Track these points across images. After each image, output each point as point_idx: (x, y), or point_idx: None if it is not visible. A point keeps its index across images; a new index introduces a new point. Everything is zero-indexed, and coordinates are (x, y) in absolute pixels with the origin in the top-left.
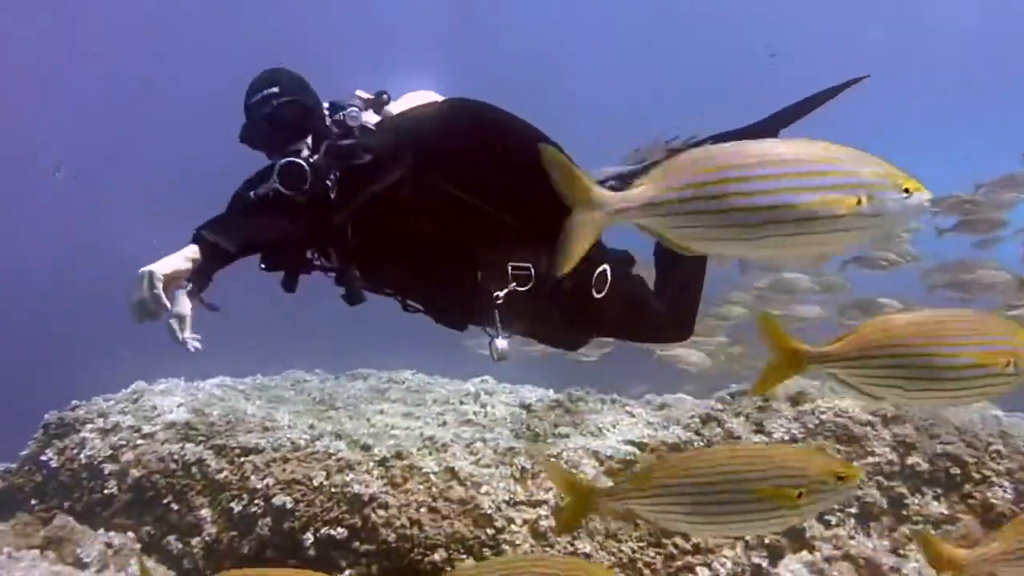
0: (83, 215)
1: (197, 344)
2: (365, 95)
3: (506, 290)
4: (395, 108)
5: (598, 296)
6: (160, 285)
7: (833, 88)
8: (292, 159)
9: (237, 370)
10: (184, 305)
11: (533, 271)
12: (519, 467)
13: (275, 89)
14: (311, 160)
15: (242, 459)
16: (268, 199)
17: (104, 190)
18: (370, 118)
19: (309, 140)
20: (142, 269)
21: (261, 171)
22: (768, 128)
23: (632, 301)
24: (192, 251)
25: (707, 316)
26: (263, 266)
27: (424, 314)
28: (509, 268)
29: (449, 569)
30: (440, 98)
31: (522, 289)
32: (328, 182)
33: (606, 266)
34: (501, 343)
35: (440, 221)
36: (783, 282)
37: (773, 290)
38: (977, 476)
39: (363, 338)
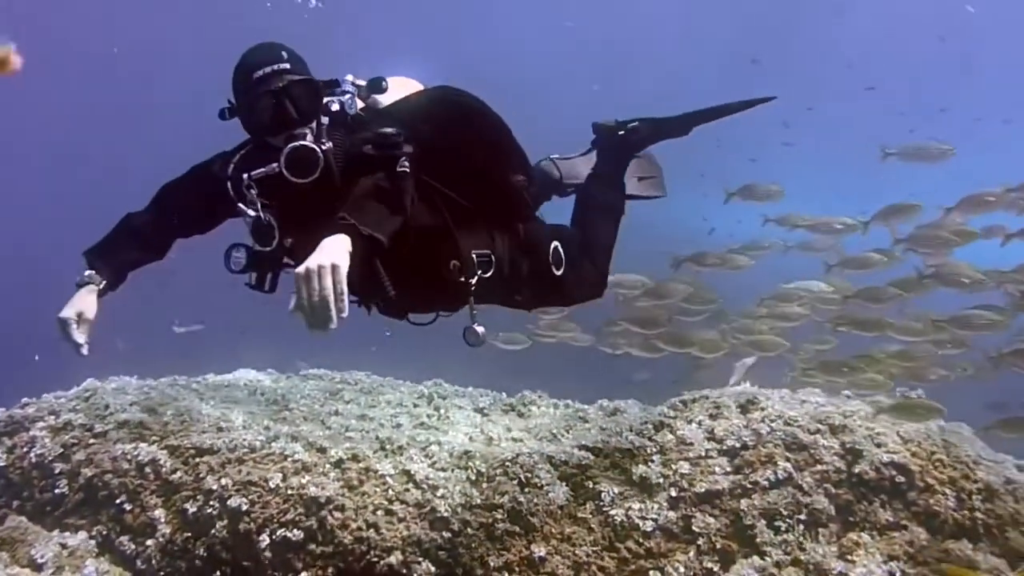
0: (38, 208)
1: (85, 351)
2: (357, 81)
3: (476, 277)
4: (381, 97)
5: (558, 273)
6: (345, 284)
7: (745, 102)
8: (302, 143)
9: (188, 369)
10: (89, 305)
11: (492, 256)
12: (475, 470)
13: (285, 65)
14: (323, 147)
15: (197, 460)
16: (377, 188)
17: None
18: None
19: (314, 125)
20: (319, 262)
21: (248, 152)
22: (685, 122)
23: (578, 269)
24: (346, 243)
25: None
26: (234, 268)
27: (359, 306)
28: (474, 256)
29: (404, 572)
30: (421, 86)
31: (486, 276)
32: (405, 169)
33: (557, 243)
34: (480, 328)
35: (428, 212)
36: (871, 291)
37: (862, 298)
38: (921, 484)
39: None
